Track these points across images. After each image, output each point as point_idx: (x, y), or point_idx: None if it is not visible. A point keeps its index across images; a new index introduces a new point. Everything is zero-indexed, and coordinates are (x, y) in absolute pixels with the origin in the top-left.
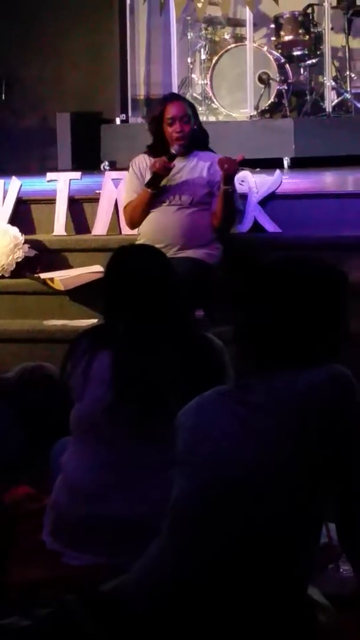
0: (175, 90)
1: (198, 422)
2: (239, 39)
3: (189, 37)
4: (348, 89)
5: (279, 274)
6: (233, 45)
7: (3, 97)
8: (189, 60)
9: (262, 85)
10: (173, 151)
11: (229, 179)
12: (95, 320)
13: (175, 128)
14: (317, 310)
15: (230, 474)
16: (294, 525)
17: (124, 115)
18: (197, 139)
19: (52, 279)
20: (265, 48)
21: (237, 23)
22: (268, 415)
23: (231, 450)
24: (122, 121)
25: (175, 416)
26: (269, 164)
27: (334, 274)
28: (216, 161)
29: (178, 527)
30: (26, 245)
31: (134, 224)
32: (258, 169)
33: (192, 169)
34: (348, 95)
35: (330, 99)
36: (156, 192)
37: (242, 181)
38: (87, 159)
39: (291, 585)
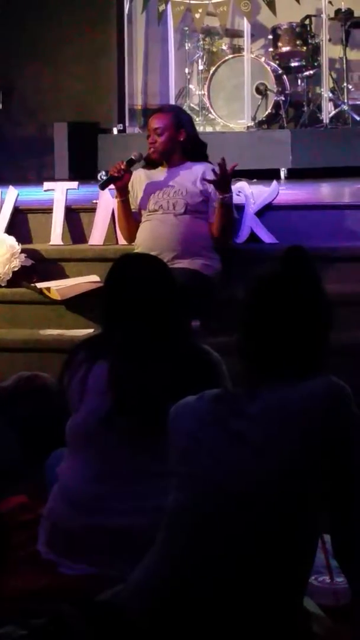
0: (172, 100)
1: (192, 434)
2: (237, 49)
3: (186, 47)
4: (345, 101)
5: (272, 290)
6: (231, 56)
7: (0, 107)
8: (186, 70)
9: (260, 96)
10: (132, 156)
11: (222, 185)
12: (91, 330)
13: (150, 140)
14: (311, 323)
15: (224, 486)
16: (290, 536)
17: (121, 125)
18: (189, 149)
19: (48, 289)
20: (262, 59)
21: (235, 34)
22: (263, 427)
23: (225, 462)
24: (119, 131)
25: None
26: (266, 175)
27: (322, 289)
28: (210, 170)
29: (173, 537)
30: (23, 255)
31: (123, 235)
32: (255, 180)
33: (184, 177)
34: (345, 107)
35: (328, 111)
36: (124, 199)
37: (239, 192)
38: (84, 169)
39: (287, 595)
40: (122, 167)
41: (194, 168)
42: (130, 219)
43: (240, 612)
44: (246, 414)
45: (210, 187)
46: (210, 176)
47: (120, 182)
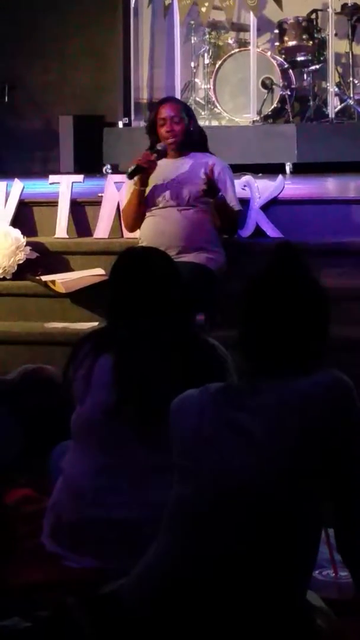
0: (178, 94)
1: (194, 426)
2: (243, 43)
3: (192, 41)
4: (351, 95)
5: (264, 287)
6: (237, 50)
7: (6, 100)
8: (192, 64)
9: (265, 91)
10: (159, 147)
11: (211, 193)
12: (96, 323)
13: (166, 128)
14: (306, 317)
15: (226, 480)
16: (292, 529)
17: (127, 118)
18: (193, 140)
19: (53, 282)
20: (268, 53)
21: (241, 28)
22: (265, 421)
23: (227, 455)
24: (124, 125)
25: None
26: (272, 169)
27: (321, 286)
28: (212, 160)
29: (175, 530)
30: (28, 248)
31: (129, 225)
32: (260, 174)
33: (187, 169)
34: (351, 101)
35: (333, 105)
36: (143, 189)
37: (245, 186)
38: (89, 162)
39: (290, 589)
40: (152, 158)
41: (196, 158)
42: (140, 207)
43: (243, 606)
44: (248, 407)
45: (216, 173)
46: (210, 166)
47: (146, 173)
